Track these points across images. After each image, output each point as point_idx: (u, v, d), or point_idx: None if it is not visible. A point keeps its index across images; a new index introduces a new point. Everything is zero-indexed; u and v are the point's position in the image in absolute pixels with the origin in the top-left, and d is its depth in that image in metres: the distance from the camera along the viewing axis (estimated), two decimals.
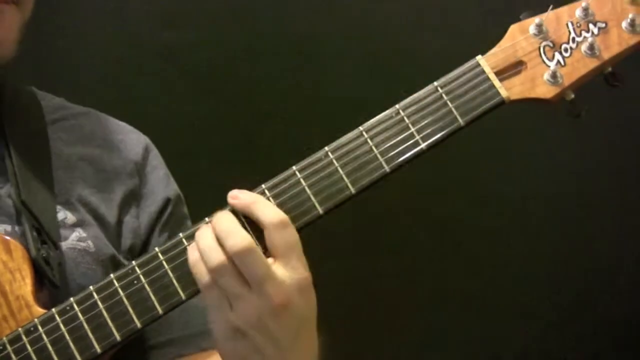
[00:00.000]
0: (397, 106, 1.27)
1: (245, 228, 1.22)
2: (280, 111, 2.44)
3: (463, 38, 2.19)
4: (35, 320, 1.28)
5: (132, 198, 1.50)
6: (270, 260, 1.21)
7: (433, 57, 2.23)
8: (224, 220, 1.23)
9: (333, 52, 2.40)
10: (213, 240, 1.22)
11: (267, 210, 1.23)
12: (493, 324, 2.49)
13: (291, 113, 2.43)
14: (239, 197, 1.25)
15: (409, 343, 2.47)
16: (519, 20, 1.29)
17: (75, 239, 1.42)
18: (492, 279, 2.49)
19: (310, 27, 2.39)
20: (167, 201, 1.53)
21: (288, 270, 1.21)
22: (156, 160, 1.57)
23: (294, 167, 1.27)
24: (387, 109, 1.26)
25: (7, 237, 1.33)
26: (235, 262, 1.20)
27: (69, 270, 1.37)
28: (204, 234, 1.24)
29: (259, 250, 1.21)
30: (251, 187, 1.26)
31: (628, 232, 2.44)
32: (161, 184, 1.54)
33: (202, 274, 1.22)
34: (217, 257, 1.21)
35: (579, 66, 1.25)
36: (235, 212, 1.25)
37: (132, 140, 1.56)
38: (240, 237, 1.21)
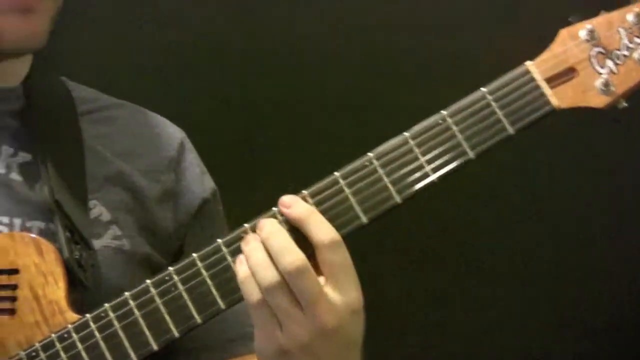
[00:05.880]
0: (443, 112, 1.23)
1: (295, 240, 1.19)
2: (283, 112, 2.41)
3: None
4: (69, 326, 1.25)
5: (168, 195, 1.46)
6: (321, 279, 1.18)
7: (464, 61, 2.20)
8: (277, 235, 1.19)
9: (334, 53, 2.37)
10: (266, 256, 1.18)
11: (320, 227, 1.19)
12: (493, 325, 2.48)
13: (294, 114, 2.39)
14: (292, 207, 1.21)
15: (408, 343, 2.48)
16: (568, 22, 1.25)
17: (110, 237, 1.39)
18: (492, 279, 2.48)
19: (312, 28, 2.35)
20: (204, 201, 1.49)
21: (340, 292, 1.17)
22: (192, 155, 1.52)
23: (336, 173, 1.23)
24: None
25: (40, 238, 1.29)
26: (287, 281, 1.17)
27: (103, 270, 1.34)
28: (255, 249, 1.19)
29: (312, 269, 1.17)
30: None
31: (628, 232, 2.43)
32: (197, 181, 1.50)
33: (252, 292, 1.18)
34: (270, 275, 1.17)
35: (633, 74, 1.22)
36: (279, 218, 1.21)
37: (168, 134, 1.52)
38: (295, 256, 1.17)
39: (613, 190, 2.45)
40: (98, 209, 1.39)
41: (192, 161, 1.51)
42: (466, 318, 2.49)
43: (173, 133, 1.52)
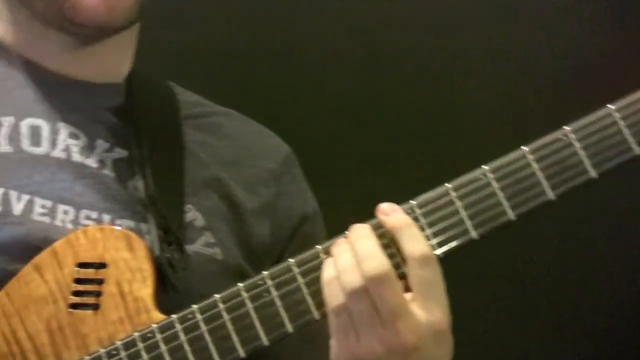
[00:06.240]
0: (566, 128, 1.15)
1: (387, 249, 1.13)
2: (287, 112, 2.31)
3: None
4: (153, 325, 1.18)
5: (267, 209, 1.40)
6: (408, 295, 1.12)
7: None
8: (364, 240, 1.14)
9: (335, 53, 2.26)
10: (353, 260, 1.13)
11: (414, 240, 1.14)
12: (493, 325, 2.37)
13: (299, 114, 2.29)
14: (390, 215, 1.15)
15: None
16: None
17: (203, 244, 1.33)
18: (492, 279, 2.37)
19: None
20: (304, 218, 1.43)
21: (424, 310, 1.12)
22: (296, 171, 1.46)
23: (447, 185, 1.16)
24: None
25: (131, 232, 1.24)
26: (368, 288, 1.11)
27: (193, 277, 1.28)
28: (344, 251, 1.14)
29: (397, 280, 1.12)
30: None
31: (629, 232, 2.34)
32: (299, 198, 1.44)
33: (335, 295, 1.13)
34: (355, 279, 1.12)
35: None
36: (377, 226, 1.16)
37: (273, 146, 1.46)
38: (378, 262, 1.12)
39: (613, 190, 2.33)
40: (192, 214, 1.34)
41: (296, 177, 1.45)
42: (466, 318, 2.41)
43: (278, 146, 1.47)
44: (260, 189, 1.40)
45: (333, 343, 1.14)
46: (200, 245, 1.32)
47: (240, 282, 1.28)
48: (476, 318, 2.33)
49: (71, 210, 1.28)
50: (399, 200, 1.18)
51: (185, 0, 2.17)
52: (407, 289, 1.14)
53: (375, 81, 2.20)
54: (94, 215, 1.29)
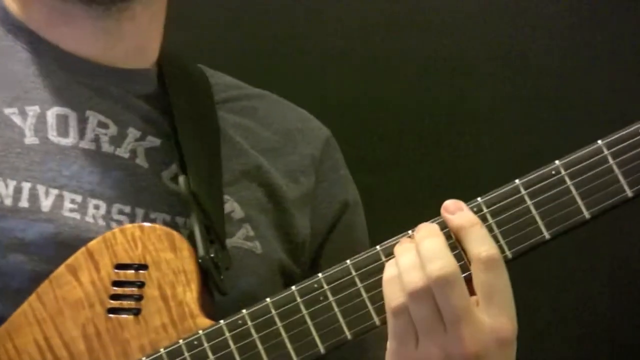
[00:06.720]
0: None
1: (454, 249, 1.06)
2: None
3: None
4: (200, 332, 1.10)
5: (307, 198, 1.31)
6: (473, 299, 1.04)
7: None
8: (431, 239, 1.06)
9: (336, 53, 2.21)
10: (416, 259, 1.05)
11: (481, 241, 1.06)
12: None
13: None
14: (455, 214, 1.08)
15: None
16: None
17: (242, 237, 1.24)
18: None
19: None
20: (345, 205, 1.34)
21: (489, 316, 1.04)
22: (337, 156, 1.37)
23: (517, 181, 1.08)
24: None
25: (174, 231, 1.15)
26: (433, 289, 1.03)
27: (233, 273, 1.19)
28: (407, 250, 1.07)
29: (463, 283, 1.04)
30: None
31: (629, 231, 2.29)
32: (339, 184, 1.35)
33: (394, 295, 1.05)
34: (418, 278, 1.04)
35: None
36: (443, 225, 1.08)
37: (312, 130, 1.37)
38: (445, 262, 1.04)
39: None
40: (230, 205, 1.25)
41: (337, 162, 1.37)
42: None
43: (318, 130, 1.38)
44: (300, 176, 1.32)
45: (389, 346, 1.07)
46: (239, 239, 1.24)
47: (282, 277, 1.20)
48: None
49: (102, 205, 1.20)
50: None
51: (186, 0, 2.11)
52: (472, 293, 1.06)
53: (375, 81, 2.15)
54: (127, 209, 1.20)
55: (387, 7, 2.13)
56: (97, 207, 1.19)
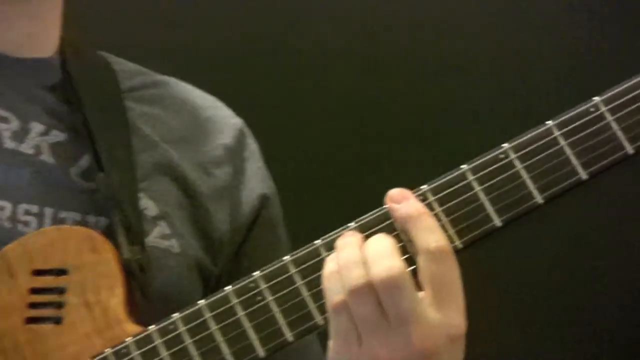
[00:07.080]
0: (595, 98, 1.02)
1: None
2: (286, 111, 2.23)
3: None
4: (128, 339, 1.03)
5: (224, 192, 1.24)
6: (420, 294, 0.98)
7: None
8: (379, 237, 1.00)
9: (336, 53, 2.21)
10: (358, 253, 0.98)
11: (426, 232, 0.99)
12: (493, 325, 2.30)
13: (299, 113, 2.20)
14: (400, 203, 1.01)
15: None
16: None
17: (158, 236, 1.16)
18: (491, 279, 2.27)
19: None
20: (264, 199, 1.27)
21: (438, 311, 0.97)
22: (253, 146, 1.30)
23: (464, 166, 1.02)
24: None
25: (95, 233, 1.08)
26: (377, 289, 0.97)
27: (150, 275, 1.12)
28: (349, 244, 1.00)
29: (411, 284, 0.97)
30: None
31: (629, 231, 2.32)
32: (257, 177, 1.28)
33: (334, 291, 0.98)
34: (358, 275, 0.97)
35: None
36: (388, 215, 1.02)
37: (224, 119, 1.29)
38: (393, 262, 0.97)
39: (613, 189, 2.26)
40: (144, 202, 1.17)
41: (254, 153, 1.29)
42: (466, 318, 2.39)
43: (230, 118, 1.30)
44: (213, 169, 1.25)
45: (331, 345, 1.00)
46: (155, 238, 1.17)
47: (201, 276, 1.14)
48: (476, 318, 2.31)
49: (8, 206, 1.11)
50: None
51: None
52: (418, 285, 0.99)
53: (374, 81, 2.13)
54: (35, 209, 1.12)
55: (388, 7, 2.12)
56: (2, 208, 1.11)
